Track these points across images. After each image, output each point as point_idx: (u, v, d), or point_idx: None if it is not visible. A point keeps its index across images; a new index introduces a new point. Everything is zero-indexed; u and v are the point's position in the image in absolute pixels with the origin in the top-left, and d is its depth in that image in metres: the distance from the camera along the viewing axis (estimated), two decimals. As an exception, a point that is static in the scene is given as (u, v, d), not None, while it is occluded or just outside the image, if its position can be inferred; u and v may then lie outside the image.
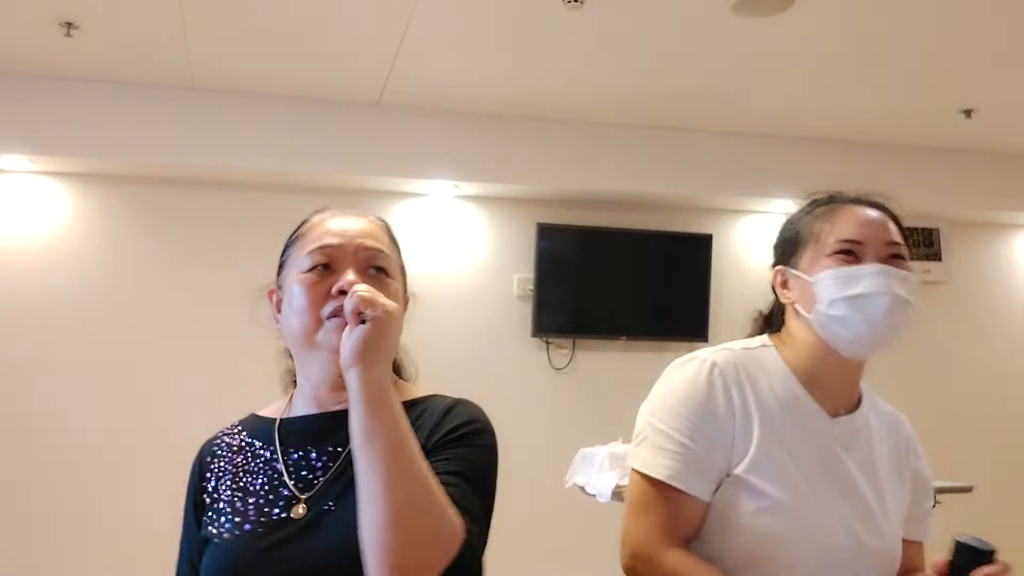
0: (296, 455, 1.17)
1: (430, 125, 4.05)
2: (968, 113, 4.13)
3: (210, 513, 1.15)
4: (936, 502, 2.95)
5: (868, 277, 1.26)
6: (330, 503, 1.10)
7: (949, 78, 3.75)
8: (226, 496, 1.15)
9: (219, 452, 1.22)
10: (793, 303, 1.35)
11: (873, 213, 1.34)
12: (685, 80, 3.77)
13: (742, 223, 4.57)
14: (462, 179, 4.08)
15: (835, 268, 1.28)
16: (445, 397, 1.23)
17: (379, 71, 3.66)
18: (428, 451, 1.09)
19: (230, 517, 1.13)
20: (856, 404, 1.37)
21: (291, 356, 1.26)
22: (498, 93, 3.89)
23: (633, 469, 1.30)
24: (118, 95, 3.74)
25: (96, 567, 3.65)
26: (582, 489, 2.88)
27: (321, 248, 1.17)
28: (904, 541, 1.36)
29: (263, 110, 3.88)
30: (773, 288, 1.42)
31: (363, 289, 1.04)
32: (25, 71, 3.63)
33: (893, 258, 1.31)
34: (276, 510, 1.11)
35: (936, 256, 4.74)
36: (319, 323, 1.13)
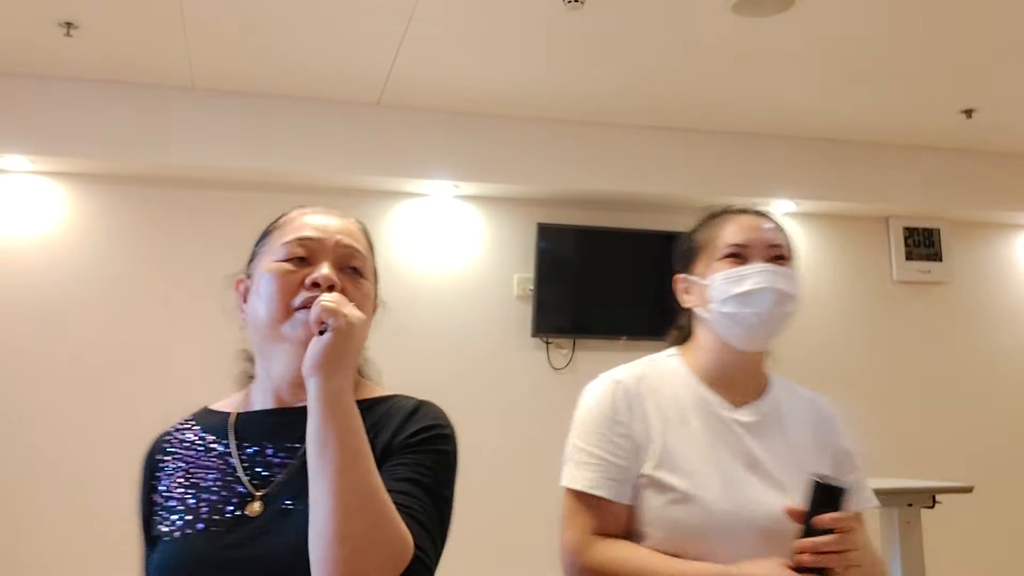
0: (251, 450, 1.14)
1: (430, 125, 4.05)
2: (968, 113, 4.13)
3: (161, 512, 1.12)
4: (936, 502, 2.97)
5: (754, 275, 1.42)
6: (288, 501, 1.07)
7: (949, 78, 3.75)
8: (177, 493, 1.12)
9: (170, 448, 1.18)
10: (694, 307, 1.50)
11: (758, 219, 1.50)
12: (685, 80, 3.77)
13: (742, 223, 4.56)
14: (462, 179, 4.08)
15: (725, 270, 1.44)
16: (410, 398, 1.21)
17: (379, 71, 3.66)
18: (391, 452, 1.09)
19: (182, 515, 1.09)
20: (762, 392, 1.49)
21: (248, 358, 1.25)
22: (498, 93, 3.89)
23: (562, 486, 1.43)
24: (118, 95, 3.74)
25: (96, 567, 3.65)
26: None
27: (300, 239, 1.16)
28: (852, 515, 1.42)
29: (263, 110, 3.88)
30: (677, 296, 1.54)
31: (328, 299, 1.03)
32: (25, 71, 3.63)
33: (776, 259, 1.45)
34: (230, 507, 1.08)
35: (936, 256, 4.74)
36: (288, 313, 1.12)
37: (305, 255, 1.15)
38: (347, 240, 1.19)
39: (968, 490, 3.04)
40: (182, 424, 1.22)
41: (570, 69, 3.64)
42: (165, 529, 1.09)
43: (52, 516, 3.67)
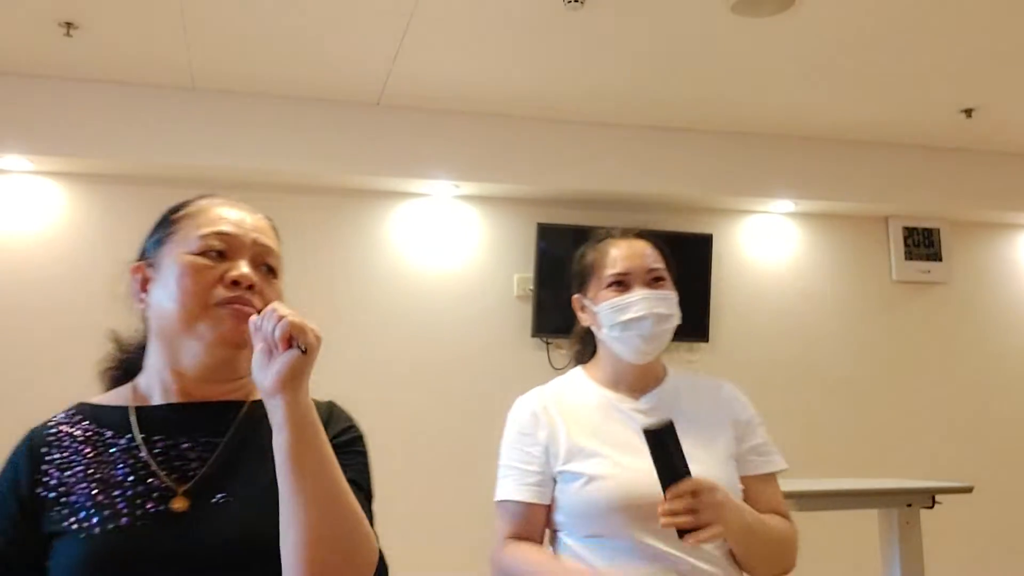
0: (162, 444, 1.11)
1: (430, 125, 4.05)
2: (968, 113, 4.13)
3: (58, 508, 1.06)
4: (936, 502, 2.96)
5: (635, 304, 1.62)
6: (220, 496, 1.08)
7: (949, 78, 3.75)
8: (81, 489, 1.07)
9: (56, 442, 1.12)
10: (589, 325, 1.71)
11: (638, 245, 1.71)
12: (685, 80, 3.77)
13: (742, 223, 4.57)
14: (462, 179, 4.08)
15: (610, 300, 1.63)
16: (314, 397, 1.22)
17: (379, 71, 3.66)
18: None
19: (95, 511, 1.05)
20: (659, 382, 1.69)
21: (124, 348, 1.23)
22: (498, 93, 3.89)
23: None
24: (118, 95, 3.74)
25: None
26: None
27: (218, 233, 1.14)
28: (757, 476, 1.65)
29: (263, 110, 3.88)
30: (577, 314, 1.75)
31: (293, 314, 1.03)
32: (25, 71, 3.63)
33: (655, 281, 1.66)
34: (150, 503, 1.06)
35: (936, 256, 4.74)
36: (205, 310, 1.10)
37: (222, 249, 1.13)
38: (263, 238, 1.18)
39: (968, 490, 3.03)
40: (63, 418, 1.16)
41: (570, 69, 3.64)
42: (75, 526, 1.04)
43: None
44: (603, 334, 1.66)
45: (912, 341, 4.68)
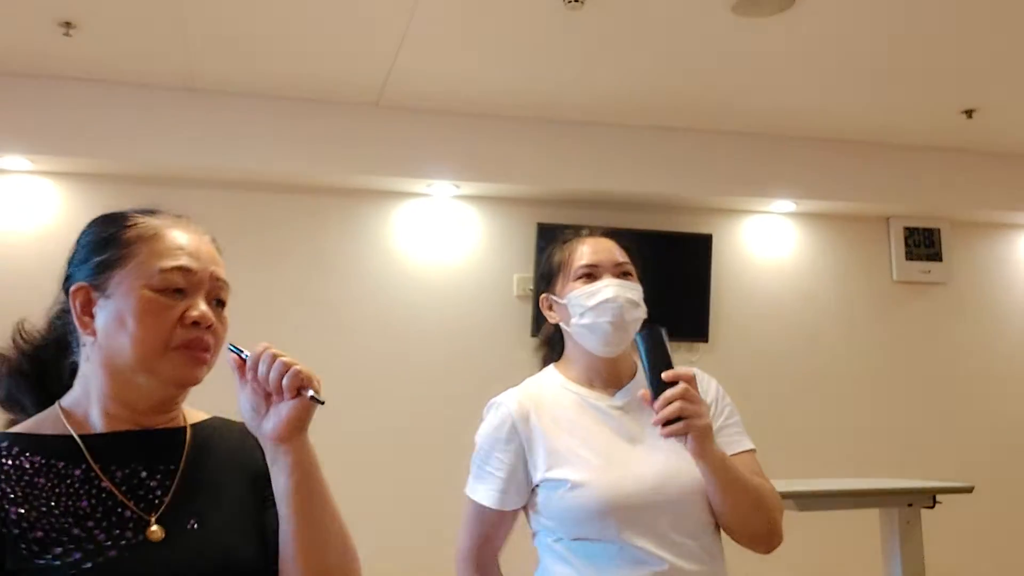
0: (120, 473, 1.09)
1: (430, 125, 4.05)
2: (968, 113, 4.12)
3: (24, 545, 1.00)
4: (936, 502, 2.96)
5: (605, 289, 1.63)
6: (191, 522, 1.09)
7: (949, 78, 3.75)
8: (49, 523, 1.02)
9: (5, 477, 1.05)
10: (558, 322, 1.72)
11: (605, 242, 1.72)
12: (685, 80, 3.77)
13: (742, 223, 4.57)
14: (462, 179, 4.07)
15: (580, 288, 1.65)
16: (228, 419, 1.24)
17: (379, 71, 3.65)
18: (261, 477, 1.14)
19: (74, 546, 1.01)
20: (632, 376, 1.69)
21: (27, 354, 1.20)
22: (498, 93, 3.89)
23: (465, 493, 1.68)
24: (117, 95, 3.74)
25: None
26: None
27: (180, 269, 1.12)
28: (735, 456, 1.61)
29: (263, 110, 3.88)
30: (544, 313, 1.77)
31: (297, 363, 1.06)
32: (25, 71, 3.62)
33: (622, 275, 1.67)
34: (127, 532, 1.05)
35: (937, 256, 4.74)
36: (165, 351, 1.09)
37: (184, 287, 1.12)
38: (219, 271, 1.17)
39: (968, 490, 3.03)
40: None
41: (570, 69, 3.63)
42: (57, 562, 1.00)
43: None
44: (572, 325, 1.66)
45: (912, 341, 4.67)
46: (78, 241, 1.21)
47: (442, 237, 4.20)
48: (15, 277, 3.73)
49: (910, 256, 4.70)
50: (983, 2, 3.09)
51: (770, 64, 3.59)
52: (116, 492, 1.07)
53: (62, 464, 1.08)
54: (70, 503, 1.05)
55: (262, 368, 1.06)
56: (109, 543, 1.03)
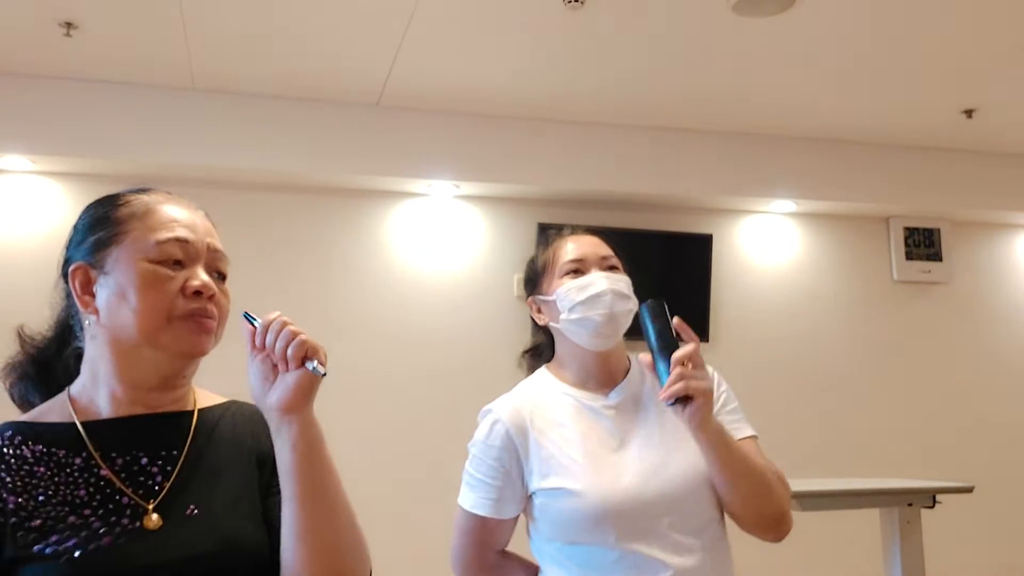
0: (121, 460, 1.09)
1: (430, 125, 4.05)
2: (968, 113, 4.13)
3: (22, 534, 1.01)
4: (936, 502, 2.96)
5: (594, 282, 1.61)
6: (190, 508, 1.07)
7: (949, 78, 3.75)
8: (46, 512, 1.03)
9: (5, 466, 1.06)
10: (547, 323, 1.68)
11: (588, 237, 1.70)
12: (685, 80, 3.77)
13: (742, 223, 4.57)
14: (462, 179, 4.08)
15: (568, 283, 1.63)
16: (244, 403, 1.22)
17: (379, 71, 3.66)
18: (265, 460, 1.14)
19: (70, 534, 1.01)
20: (625, 373, 1.67)
21: (39, 358, 1.19)
22: (498, 93, 3.89)
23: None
24: (118, 95, 3.74)
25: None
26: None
27: (177, 240, 1.11)
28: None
29: (263, 110, 3.88)
30: (532, 317, 1.72)
31: (303, 332, 1.05)
32: (25, 71, 3.63)
33: (609, 268, 1.66)
34: (124, 520, 1.04)
35: (937, 256, 4.74)
36: (169, 322, 1.08)
37: (180, 258, 1.11)
38: (216, 243, 1.17)
39: (968, 490, 3.03)
40: (1, 442, 1.08)
41: (570, 69, 3.64)
42: (49, 550, 1.00)
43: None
44: (562, 322, 1.62)
45: (912, 341, 4.68)
46: (74, 226, 1.21)
47: (442, 237, 4.20)
48: (16, 276, 3.73)
49: (910, 256, 4.70)
50: (983, 2, 3.09)
51: (770, 64, 3.59)
52: (115, 480, 1.07)
53: (63, 452, 1.08)
54: (68, 491, 1.05)
55: (270, 337, 1.05)
56: (104, 531, 1.02)
